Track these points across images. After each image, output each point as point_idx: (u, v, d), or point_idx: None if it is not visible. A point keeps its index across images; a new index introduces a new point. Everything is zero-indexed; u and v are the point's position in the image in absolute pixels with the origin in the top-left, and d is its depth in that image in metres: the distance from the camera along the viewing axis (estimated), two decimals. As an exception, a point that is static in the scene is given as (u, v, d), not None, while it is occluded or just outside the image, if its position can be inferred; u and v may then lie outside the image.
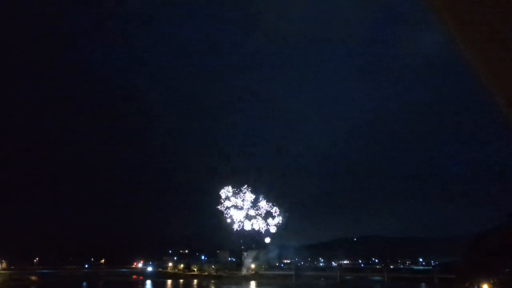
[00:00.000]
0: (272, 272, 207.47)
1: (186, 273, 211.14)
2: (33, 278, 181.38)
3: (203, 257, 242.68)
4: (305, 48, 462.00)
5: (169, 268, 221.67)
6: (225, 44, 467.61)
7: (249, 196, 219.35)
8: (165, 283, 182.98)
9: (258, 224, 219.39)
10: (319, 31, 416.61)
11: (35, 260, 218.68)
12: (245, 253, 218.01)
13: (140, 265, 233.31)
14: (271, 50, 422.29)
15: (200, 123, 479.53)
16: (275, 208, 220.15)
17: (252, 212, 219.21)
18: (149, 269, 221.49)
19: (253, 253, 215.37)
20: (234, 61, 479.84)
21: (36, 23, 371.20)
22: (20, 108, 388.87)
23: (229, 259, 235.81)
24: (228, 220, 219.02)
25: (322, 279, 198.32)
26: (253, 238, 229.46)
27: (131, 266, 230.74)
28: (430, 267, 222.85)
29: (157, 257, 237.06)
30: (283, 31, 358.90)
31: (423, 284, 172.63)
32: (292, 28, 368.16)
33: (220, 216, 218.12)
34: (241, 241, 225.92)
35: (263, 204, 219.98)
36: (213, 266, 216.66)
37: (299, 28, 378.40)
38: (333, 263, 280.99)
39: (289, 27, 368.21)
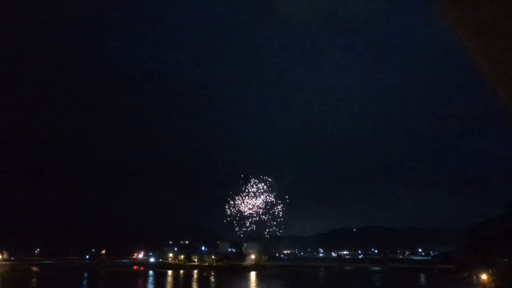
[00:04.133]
0: (272, 263, 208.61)
1: (187, 263, 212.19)
2: (34, 269, 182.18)
3: (203, 248, 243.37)
4: (316, 36, 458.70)
5: (170, 259, 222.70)
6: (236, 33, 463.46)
7: (251, 189, 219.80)
8: (166, 274, 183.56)
9: (259, 215, 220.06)
10: (330, 20, 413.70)
11: (36, 251, 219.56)
12: (245, 244, 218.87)
13: (141, 255, 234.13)
14: (284, 37, 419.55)
15: (206, 115, 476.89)
16: (275, 199, 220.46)
17: (252, 204, 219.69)
18: (150, 259, 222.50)
19: (253, 244, 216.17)
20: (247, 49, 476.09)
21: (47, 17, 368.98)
22: (22, 104, 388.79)
23: (230, 250, 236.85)
24: (229, 212, 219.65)
25: (322, 269, 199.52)
26: (254, 229, 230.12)
27: (132, 257, 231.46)
28: (429, 258, 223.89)
29: (158, 248, 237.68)
30: (297, 18, 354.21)
31: (422, 274, 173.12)
32: (304, 16, 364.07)
33: (221, 207, 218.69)
34: (242, 232, 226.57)
35: (265, 195, 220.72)
36: (213, 257, 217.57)
37: (311, 17, 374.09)
38: (332, 253, 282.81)
39: (302, 15, 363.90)
